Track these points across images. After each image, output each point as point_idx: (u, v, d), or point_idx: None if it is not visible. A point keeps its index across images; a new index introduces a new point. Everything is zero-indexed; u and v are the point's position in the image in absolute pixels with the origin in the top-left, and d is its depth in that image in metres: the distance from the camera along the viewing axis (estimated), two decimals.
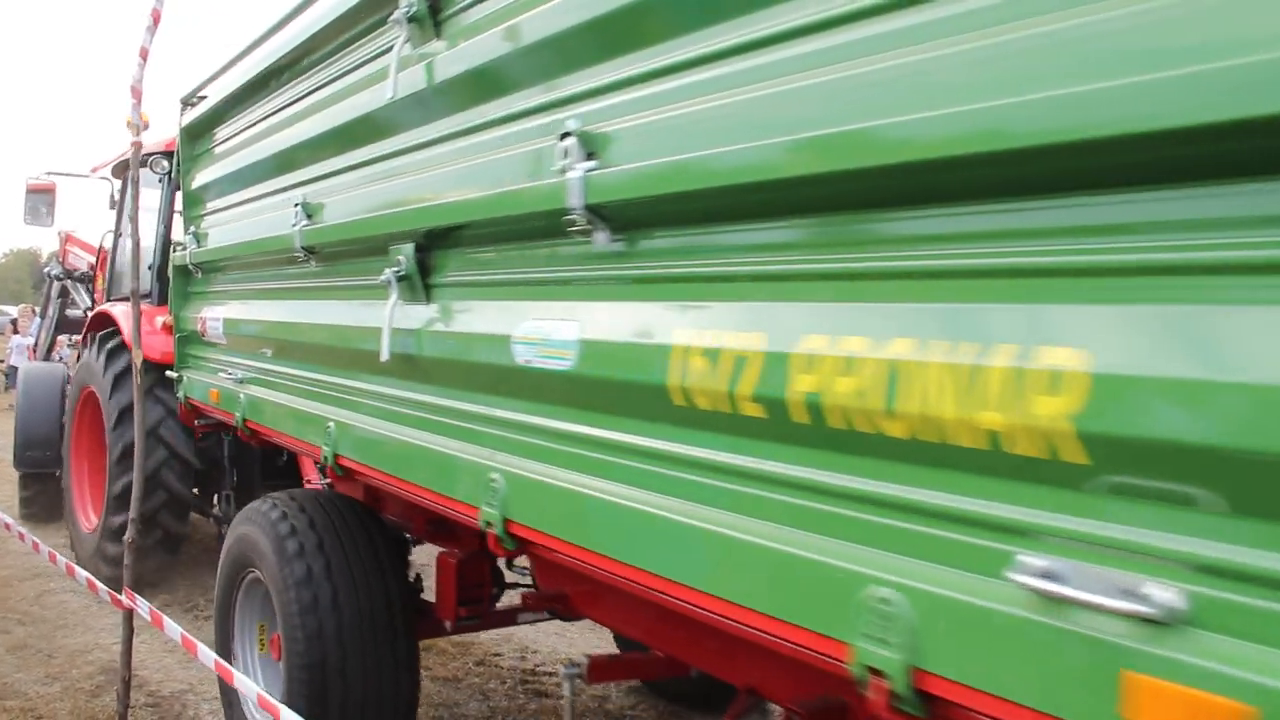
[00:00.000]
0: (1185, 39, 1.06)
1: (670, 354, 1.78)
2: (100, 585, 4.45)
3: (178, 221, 6.75)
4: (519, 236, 2.35)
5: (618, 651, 4.88)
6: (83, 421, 7.49)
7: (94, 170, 9.44)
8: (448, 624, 3.63)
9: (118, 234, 7.75)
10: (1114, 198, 1.20)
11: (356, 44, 3.12)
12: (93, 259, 8.98)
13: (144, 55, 4.26)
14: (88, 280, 9.16)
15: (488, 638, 5.69)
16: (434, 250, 2.69)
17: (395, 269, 2.72)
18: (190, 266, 4.85)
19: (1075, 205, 1.24)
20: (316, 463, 3.76)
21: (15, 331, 19.15)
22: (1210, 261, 1.10)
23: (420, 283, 2.70)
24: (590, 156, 1.96)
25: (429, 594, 3.79)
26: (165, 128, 7.38)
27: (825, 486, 1.54)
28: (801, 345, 1.54)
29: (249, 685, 3.33)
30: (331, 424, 3.23)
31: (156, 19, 4.19)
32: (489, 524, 2.32)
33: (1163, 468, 1.14)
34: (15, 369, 14.86)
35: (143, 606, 4.07)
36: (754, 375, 1.61)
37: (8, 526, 5.59)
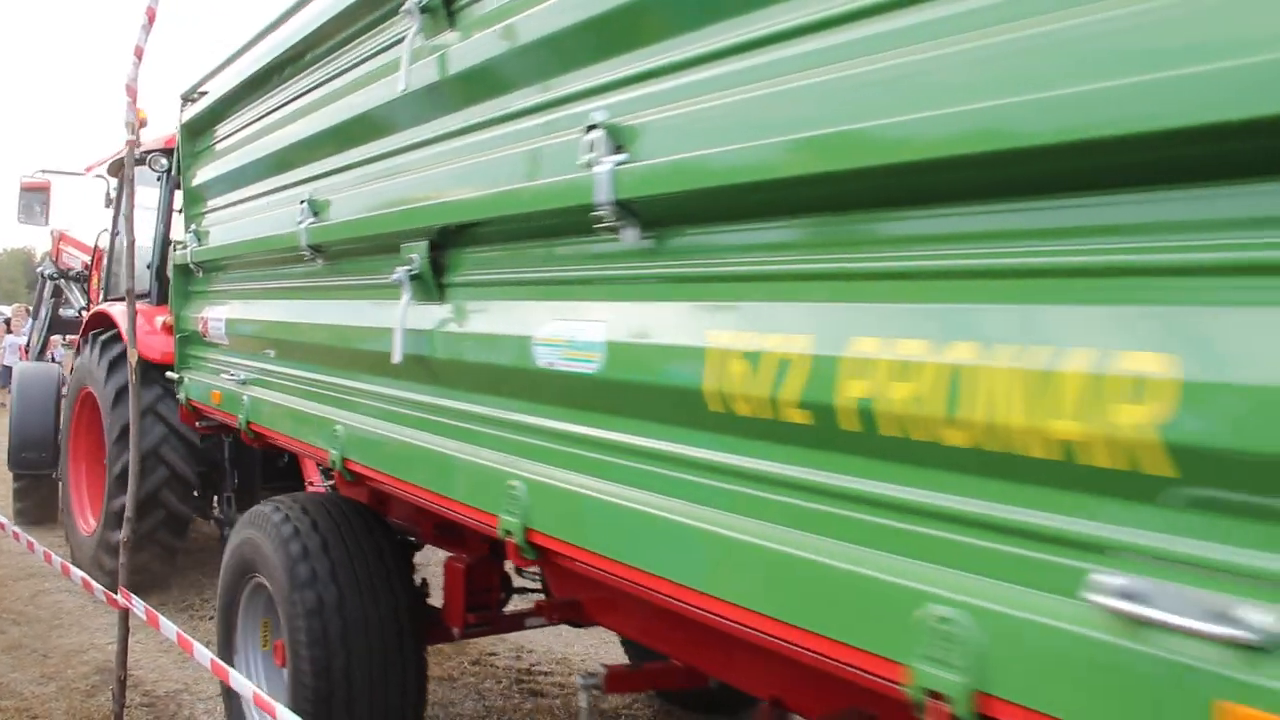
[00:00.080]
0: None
1: (706, 357, 1.70)
2: (95, 585, 4.42)
3: (177, 220, 6.68)
4: (539, 234, 2.26)
5: (620, 652, 4.82)
6: (80, 423, 7.39)
7: (89, 169, 9.35)
8: (456, 630, 3.56)
9: (114, 233, 7.65)
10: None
11: (366, 35, 3.03)
12: (87, 258, 8.89)
13: (139, 54, 4.22)
14: (82, 280, 9.07)
15: (484, 637, 5.65)
16: (448, 248, 2.60)
17: (407, 268, 2.64)
18: (191, 265, 4.76)
19: (1162, 201, 1.16)
20: (324, 466, 3.69)
21: (9, 331, 19.02)
22: None
23: (434, 282, 2.61)
24: (618, 149, 1.88)
25: (435, 599, 3.72)
26: (164, 125, 7.32)
27: (875, 498, 1.46)
28: (853, 348, 1.45)
29: (246, 685, 3.28)
30: (340, 427, 3.15)
31: (151, 17, 4.15)
32: (508, 533, 2.23)
33: (1260, 481, 1.06)
34: (9, 369, 14.75)
35: (138, 606, 4.03)
36: (800, 380, 1.52)
37: (1, 526, 5.55)
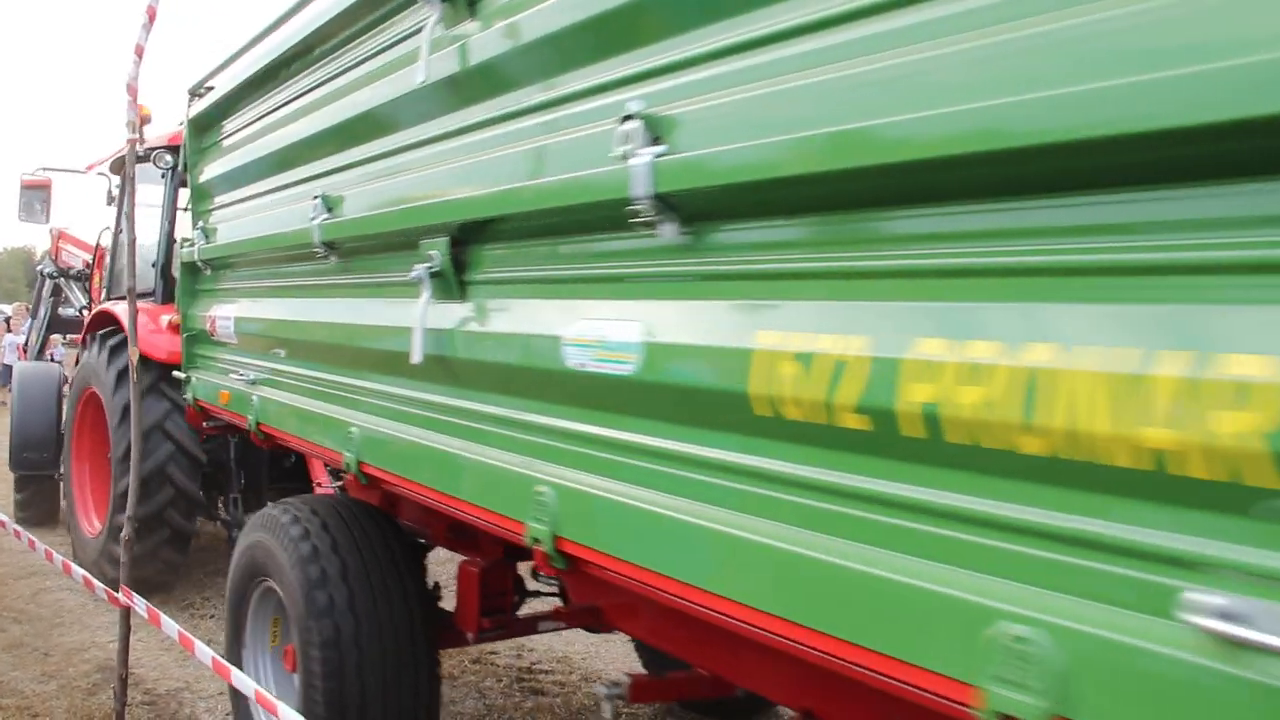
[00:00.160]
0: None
1: (753, 358, 1.61)
2: (97, 583, 4.38)
3: (182, 218, 6.60)
4: (568, 229, 2.18)
5: (621, 651, 4.73)
6: (84, 423, 7.30)
7: (90, 167, 9.27)
8: (470, 635, 3.48)
9: (118, 231, 7.56)
10: None
11: (382, 25, 2.95)
12: (87, 257, 8.81)
13: (139, 53, 4.17)
14: (83, 279, 8.98)
15: None
16: (470, 245, 2.52)
17: (427, 265, 2.55)
18: (199, 263, 4.67)
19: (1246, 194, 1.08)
20: (337, 468, 3.61)
21: (9, 330, 18.92)
22: None
23: (455, 279, 2.53)
24: (656, 141, 1.79)
25: (447, 603, 3.64)
26: (168, 122, 7.24)
27: (940, 508, 1.37)
28: (917, 350, 1.37)
29: (248, 684, 3.23)
30: (354, 429, 3.06)
31: (152, 16, 4.11)
32: (536, 540, 2.15)
33: None
34: (9, 368, 14.66)
35: (140, 604, 3.99)
36: (857, 383, 1.44)
37: (2, 524, 5.51)
